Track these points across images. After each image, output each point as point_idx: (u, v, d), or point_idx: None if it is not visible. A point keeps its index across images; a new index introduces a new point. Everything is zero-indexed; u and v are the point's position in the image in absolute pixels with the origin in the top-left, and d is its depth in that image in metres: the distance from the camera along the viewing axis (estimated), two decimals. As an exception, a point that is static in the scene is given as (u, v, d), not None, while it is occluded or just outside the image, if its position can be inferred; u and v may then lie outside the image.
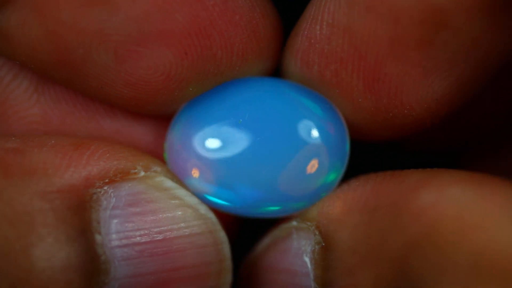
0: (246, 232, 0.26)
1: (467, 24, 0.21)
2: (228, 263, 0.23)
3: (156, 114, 0.24)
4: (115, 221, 0.22)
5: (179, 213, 0.22)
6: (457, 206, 0.20)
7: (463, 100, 0.23)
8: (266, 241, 0.24)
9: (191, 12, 0.22)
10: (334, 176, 0.23)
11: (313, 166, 0.23)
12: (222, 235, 0.23)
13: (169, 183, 0.22)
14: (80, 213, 0.21)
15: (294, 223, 0.24)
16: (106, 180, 0.22)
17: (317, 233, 0.23)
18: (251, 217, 0.24)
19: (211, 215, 0.23)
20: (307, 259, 0.23)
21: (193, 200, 0.22)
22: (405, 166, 0.26)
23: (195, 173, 0.23)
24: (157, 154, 0.24)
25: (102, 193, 0.22)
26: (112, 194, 0.22)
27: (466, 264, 0.19)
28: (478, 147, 0.29)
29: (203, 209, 0.22)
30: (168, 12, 0.22)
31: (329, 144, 0.23)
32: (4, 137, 0.22)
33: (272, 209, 0.23)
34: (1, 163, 0.21)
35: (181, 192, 0.23)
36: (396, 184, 0.22)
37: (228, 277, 0.23)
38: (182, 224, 0.22)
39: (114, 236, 0.22)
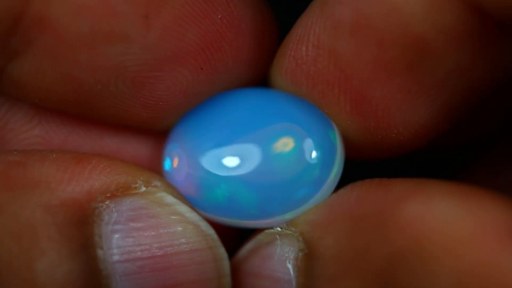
0: (241, 238, 0.26)
1: (449, 52, 0.21)
2: (227, 280, 0.23)
3: (169, 128, 0.24)
4: (116, 236, 0.22)
5: (180, 229, 0.22)
6: (443, 220, 0.20)
7: (450, 124, 0.23)
8: (249, 245, 0.24)
9: (202, 29, 0.22)
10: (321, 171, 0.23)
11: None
12: (222, 252, 0.23)
13: (169, 198, 0.22)
14: (82, 227, 0.21)
15: (278, 229, 0.24)
16: (108, 195, 0.22)
17: (300, 239, 0.23)
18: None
19: (212, 231, 0.23)
20: (290, 266, 0.23)
21: (193, 216, 0.22)
22: (395, 170, 0.26)
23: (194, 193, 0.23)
24: (158, 169, 0.24)
25: (104, 207, 0.22)
26: (113, 208, 0.22)
27: (451, 281, 0.19)
28: (475, 154, 0.29)
29: (204, 225, 0.22)
30: (181, 33, 0.22)
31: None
32: (5, 151, 0.23)
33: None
34: (4, 176, 0.21)
35: (182, 208, 0.22)
36: (383, 193, 0.22)
37: None
38: (183, 240, 0.22)
39: (115, 251, 0.22)
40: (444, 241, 0.19)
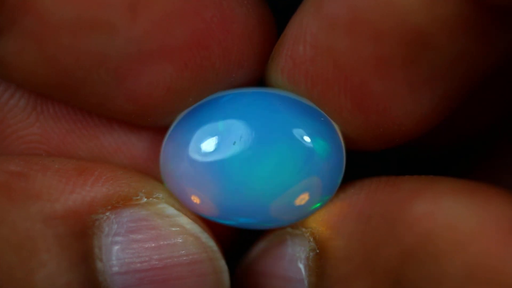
0: (241, 236, 0.26)
1: (449, 43, 0.21)
2: None
3: (156, 125, 0.24)
4: (116, 247, 0.22)
5: (180, 240, 0.22)
6: (452, 216, 0.20)
7: (452, 110, 0.23)
8: (260, 246, 0.24)
9: (190, 27, 0.22)
10: (321, 204, 0.23)
11: (302, 199, 0.23)
12: (222, 264, 0.23)
13: (170, 210, 0.22)
14: (82, 239, 0.21)
15: (289, 229, 0.24)
16: (109, 207, 0.22)
17: (311, 239, 0.23)
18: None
19: (212, 243, 0.22)
20: (301, 266, 0.23)
21: (194, 228, 0.22)
22: (402, 167, 0.26)
23: (195, 199, 0.23)
24: (155, 169, 0.24)
25: (104, 219, 0.22)
26: (114, 220, 0.22)
27: (461, 275, 0.19)
28: (481, 150, 0.29)
29: (204, 237, 0.22)
30: (168, 29, 0.22)
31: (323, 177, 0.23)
32: (7, 159, 0.22)
33: (264, 225, 0.23)
34: (5, 187, 0.21)
35: (183, 219, 0.22)
36: (391, 192, 0.22)
37: None
38: (183, 252, 0.22)
39: (115, 262, 0.22)
40: (453, 237, 0.20)
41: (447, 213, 0.20)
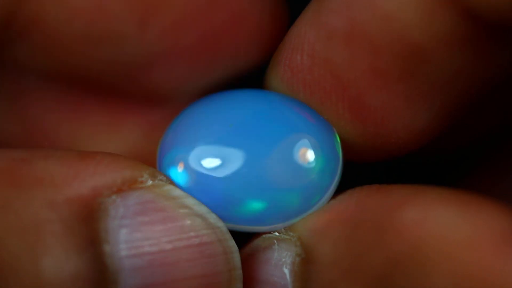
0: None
1: (447, 58, 0.21)
2: (238, 272, 0.22)
3: (163, 119, 0.24)
4: (123, 230, 0.21)
5: (188, 222, 0.22)
6: (441, 225, 0.20)
7: (450, 125, 0.23)
8: (247, 250, 0.24)
9: (199, 30, 0.22)
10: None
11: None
12: (232, 244, 0.22)
13: (177, 191, 0.22)
14: (88, 223, 0.21)
15: (275, 233, 0.24)
16: (114, 189, 0.22)
17: (298, 244, 0.23)
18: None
19: (220, 224, 0.22)
20: (286, 271, 0.23)
21: (202, 209, 0.22)
22: (392, 175, 0.26)
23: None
24: (151, 161, 0.24)
25: (110, 202, 0.21)
26: (120, 203, 0.22)
27: (449, 285, 0.19)
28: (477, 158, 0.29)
29: (212, 218, 0.22)
30: (177, 34, 0.22)
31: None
32: (9, 149, 0.22)
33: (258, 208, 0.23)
34: (8, 173, 0.21)
35: (190, 200, 0.22)
36: (381, 199, 0.22)
37: (238, 287, 0.22)
38: (192, 234, 0.22)
39: (123, 246, 0.21)
40: (441, 246, 0.20)
41: (436, 222, 0.20)
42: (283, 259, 0.23)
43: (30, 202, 0.21)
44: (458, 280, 0.19)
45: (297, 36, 0.23)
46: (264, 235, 0.24)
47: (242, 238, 0.25)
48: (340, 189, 0.24)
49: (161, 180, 0.22)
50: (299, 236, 0.23)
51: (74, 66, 0.22)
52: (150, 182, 0.22)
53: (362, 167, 0.26)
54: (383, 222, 0.21)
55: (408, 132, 0.23)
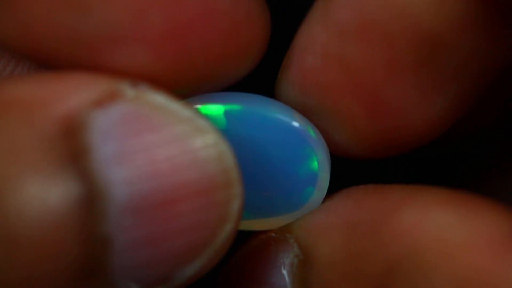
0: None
1: (460, 42, 0.21)
2: (234, 173, 0.21)
3: None
4: (110, 143, 0.20)
5: (178, 127, 0.21)
6: (440, 226, 0.20)
7: (466, 109, 0.23)
8: (244, 251, 0.24)
9: (167, 18, 0.21)
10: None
11: None
12: (225, 147, 0.21)
13: (161, 99, 0.21)
14: (71, 140, 0.20)
15: (273, 234, 0.24)
16: (95, 104, 0.20)
17: (296, 245, 0.23)
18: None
19: (212, 128, 0.21)
20: (285, 272, 0.23)
21: (189, 113, 0.21)
22: (391, 176, 0.26)
23: None
24: None
25: (92, 117, 0.20)
26: (103, 117, 0.20)
27: (447, 287, 0.19)
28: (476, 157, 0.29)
29: (202, 122, 0.21)
30: (143, 17, 0.21)
31: None
32: None
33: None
34: None
35: (175, 106, 0.21)
36: (379, 201, 0.22)
37: (237, 188, 0.21)
38: (182, 140, 0.21)
39: (110, 159, 0.20)
40: (439, 247, 0.20)
41: (435, 223, 0.20)
42: (281, 260, 0.23)
43: (5, 128, 0.20)
44: (456, 282, 0.19)
45: (307, 36, 0.22)
46: (260, 236, 0.24)
47: (239, 240, 0.25)
48: (335, 188, 0.24)
49: (142, 89, 0.21)
50: (296, 237, 0.23)
51: (36, 31, 0.21)
52: (132, 93, 0.21)
53: (355, 164, 0.26)
54: (381, 224, 0.21)
55: (424, 123, 0.22)
